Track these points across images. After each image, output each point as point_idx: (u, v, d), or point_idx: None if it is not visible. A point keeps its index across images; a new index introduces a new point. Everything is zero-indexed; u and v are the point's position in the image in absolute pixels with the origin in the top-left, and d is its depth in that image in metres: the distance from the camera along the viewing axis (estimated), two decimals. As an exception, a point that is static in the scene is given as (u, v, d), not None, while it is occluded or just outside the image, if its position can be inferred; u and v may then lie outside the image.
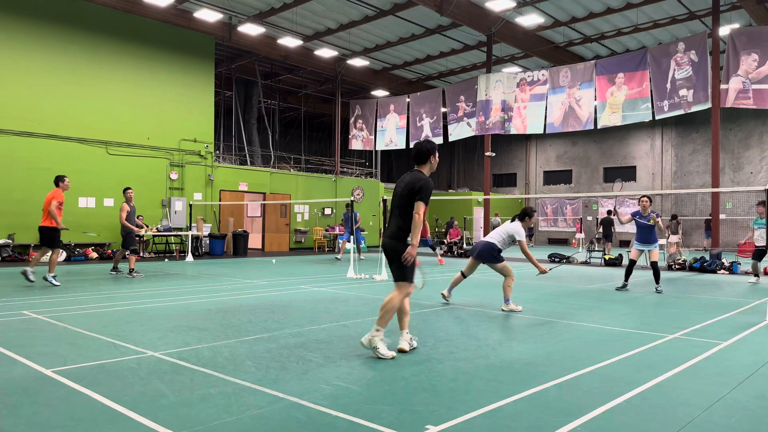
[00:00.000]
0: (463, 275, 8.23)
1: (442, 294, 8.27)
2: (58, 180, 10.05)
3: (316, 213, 24.05)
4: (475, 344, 5.46)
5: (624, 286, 10.19)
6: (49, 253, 9.95)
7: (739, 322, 6.94)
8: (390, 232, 5.03)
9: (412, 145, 23.62)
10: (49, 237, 9.84)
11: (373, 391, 3.89)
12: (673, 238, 19.90)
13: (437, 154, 5.17)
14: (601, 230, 19.70)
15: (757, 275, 12.24)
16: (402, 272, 4.94)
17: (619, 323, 6.74)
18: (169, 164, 18.76)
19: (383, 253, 5.13)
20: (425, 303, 8.21)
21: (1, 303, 7.71)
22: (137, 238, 12.93)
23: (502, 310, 7.57)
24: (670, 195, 29.26)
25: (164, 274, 12.36)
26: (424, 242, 16.16)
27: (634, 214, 10.06)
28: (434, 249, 16.69)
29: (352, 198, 15.96)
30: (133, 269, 11.42)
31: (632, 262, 10.07)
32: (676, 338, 5.87)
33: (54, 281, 9.70)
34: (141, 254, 17.35)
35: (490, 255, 7.84)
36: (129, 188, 11.77)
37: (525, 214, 8.07)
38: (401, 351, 5.00)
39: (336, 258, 17.73)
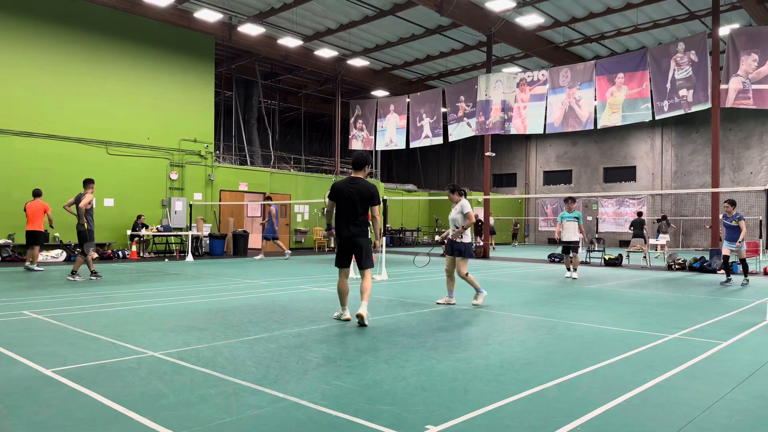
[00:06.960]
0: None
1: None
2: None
3: (316, 213, 24.05)
4: (475, 344, 5.47)
5: (728, 280, 11.65)
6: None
7: (739, 322, 6.94)
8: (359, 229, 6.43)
9: (412, 145, 23.39)
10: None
11: (373, 391, 3.89)
12: (662, 238, 19.78)
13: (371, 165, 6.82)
14: (632, 230, 18.94)
15: (568, 269, 12.37)
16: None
17: (619, 323, 6.74)
18: (169, 164, 18.76)
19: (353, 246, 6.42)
20: (424, 303, 8.21)
21: (1, 303, 7.70)
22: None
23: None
24: (670, 195, 29.25)
25: (164, 274, 12.36)
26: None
27: (723, 218, 11.49)
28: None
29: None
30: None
31: (726, 258, 11.48)
32: (676, 338, 5.87)
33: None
34: (141, 254, 17.36)
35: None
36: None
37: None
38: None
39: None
